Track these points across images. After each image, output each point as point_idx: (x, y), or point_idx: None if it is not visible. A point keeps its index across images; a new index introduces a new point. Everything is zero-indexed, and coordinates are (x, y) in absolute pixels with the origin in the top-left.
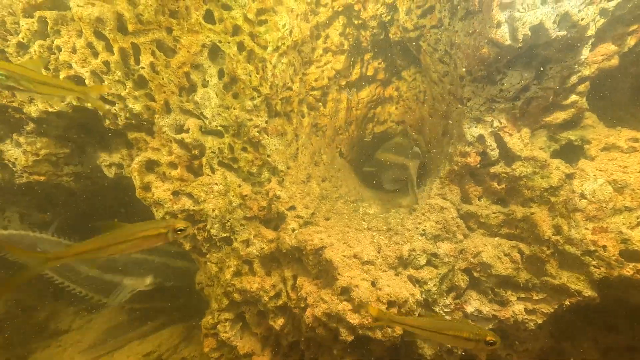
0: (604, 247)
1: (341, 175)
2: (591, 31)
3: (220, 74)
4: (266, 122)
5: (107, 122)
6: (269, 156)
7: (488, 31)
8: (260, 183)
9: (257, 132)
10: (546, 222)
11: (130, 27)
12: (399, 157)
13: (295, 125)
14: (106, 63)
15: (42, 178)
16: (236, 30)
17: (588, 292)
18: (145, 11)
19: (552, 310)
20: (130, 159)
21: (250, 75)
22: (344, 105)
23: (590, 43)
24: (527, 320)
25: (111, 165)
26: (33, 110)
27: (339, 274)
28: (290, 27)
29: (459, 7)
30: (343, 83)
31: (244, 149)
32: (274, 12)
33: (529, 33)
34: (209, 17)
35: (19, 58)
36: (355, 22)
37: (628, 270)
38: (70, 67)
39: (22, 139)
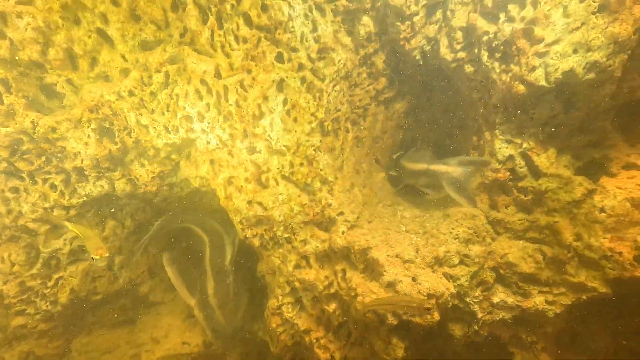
0: (620, 252)
1: (378, 181)
2: (617, 73)
3: (284, 102)
4: (320, 141)
5: (201, 147)
6: (321, 170)
7: (523, 73)
8: (313, 192)
9: (313, 150)
10: (568, 230)
11: (223, 74)
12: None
13: (341, 140)
14: (207, 104)
15: (154, 189)
16: (300, 67)
17: (603, 289)
18: (236, 60)
19: (570, 303)
20: (214, 173)
21: (309, 103)
22: (381, 117)
23: (615, 81)
24: (547, 310)
25: (197, 177)
26: (159, 142)
27: (385, 270)
28: (345, 61)
29: (496, 49)
30: (381, 99)
31: (301, 165)
32: (332, 50)
33: (561, 77)
34: (279, 57)
35: (151, 104)
36: (398, 50)
37: (639, 272)
38: (184, 109)
39: (145, 162)
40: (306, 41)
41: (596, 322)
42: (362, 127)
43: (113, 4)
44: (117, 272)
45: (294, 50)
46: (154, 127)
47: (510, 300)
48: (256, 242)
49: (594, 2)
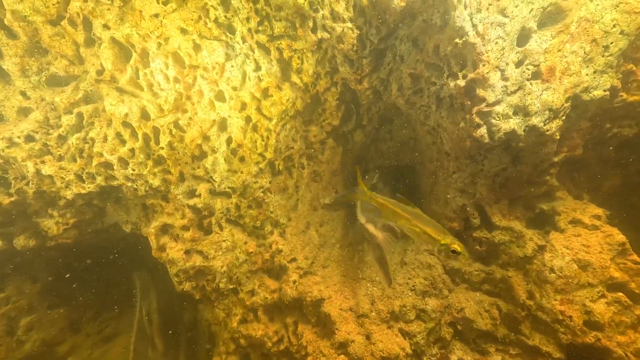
0: (570, 317)
1: (337, 217)
2: (556, 135)
3: (228, 141)
4: (269, 182)
5: (129, 194)
6: (271, 212)
7: (470, 129)
8: (263, 236)
9: (262, 192)
10: (521, 287)
11: (152, 115)
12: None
13: (295, 178)
14: (132, 150)
15: (69, 241)
16: (243, 106)
17: (557, 354)
18: (166, 101)
19: None
20: (146, 219)
21: (255, 143)
22: (340, 150)
23: (555, 141)
24: None
25: (128, 223)
26: (69, 193)
27: (336, 328)
28: (294, 99)
29: (443, 100)
30: (340, 132)
31: (249, 207)
32: (279, 89)
33: (504, 137)
34: (220, 96)
35: (59, 149)
36: (352, 87)
37: (590, 338)
38: (101, 155)
39: (55, 212)
40: (249, 80)
41: None
42: (321, 161)
43: (8, 36)
44: (22, 337)
45: (236, 89)
46: (61, 177)
47: (468, 358)
48: (197, 294)
49: (528, 69)
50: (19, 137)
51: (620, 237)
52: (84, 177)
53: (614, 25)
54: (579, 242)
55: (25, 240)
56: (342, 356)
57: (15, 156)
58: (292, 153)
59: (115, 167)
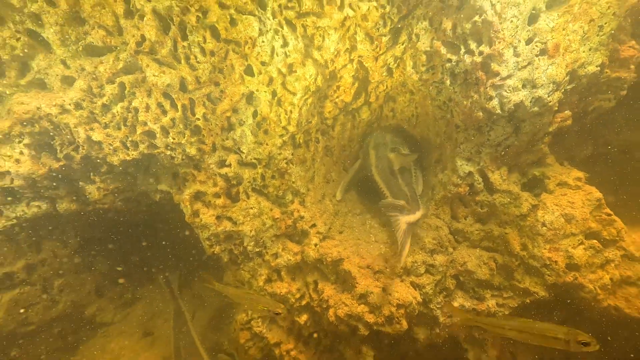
0: (556, 261)
1: (347, 189)
2: (555, 107)
3: (255, 114)
4: (292, 154)
5: (165, 162)
6: (293, 182)
7: (483, 102)
8: (285, 204)
9: (285, 163)
10: (516, 241)
11: (190, 87)
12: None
13: (312, 152)
14: (172, 119)
15: (106, 206)
16: (271, 80)
17: (542, 293)
18: (202, 73)
19: (517, 305)
20: (177, 187)
21: (280, 116)
22: (349, 126)
23: (553, 112)
24: (497, 312)
25: (157, 191)
26: (115, 159)
27: (357, 282)
28: (316, 75)
29: (458, 75)
30: (350, 109)
31: (273, 177)
32: (302, 65)
33: (513, 107)
34: (248, 71)
35: (104, 117)
36: (366, 65)
37: (569, 277)
38: (145, 124)
39: (97, 178)
40: (277, 56)
41: (534, 318)
42: (332, 137)
43: (49, 4)
44: (55, 297)
45: (264, 64)
46: (109, 144)
47: (468, 304)
48: (225, 257)
49: (536, 46)
50: (69, 105)
51: (597, 194)
52: (128, 145)
53: (609, 7)
54: (565, 199)
55: (67, 204)
56: (362, 305)
57: (68, 122)
58: (310, 127)
59: (157, 136)
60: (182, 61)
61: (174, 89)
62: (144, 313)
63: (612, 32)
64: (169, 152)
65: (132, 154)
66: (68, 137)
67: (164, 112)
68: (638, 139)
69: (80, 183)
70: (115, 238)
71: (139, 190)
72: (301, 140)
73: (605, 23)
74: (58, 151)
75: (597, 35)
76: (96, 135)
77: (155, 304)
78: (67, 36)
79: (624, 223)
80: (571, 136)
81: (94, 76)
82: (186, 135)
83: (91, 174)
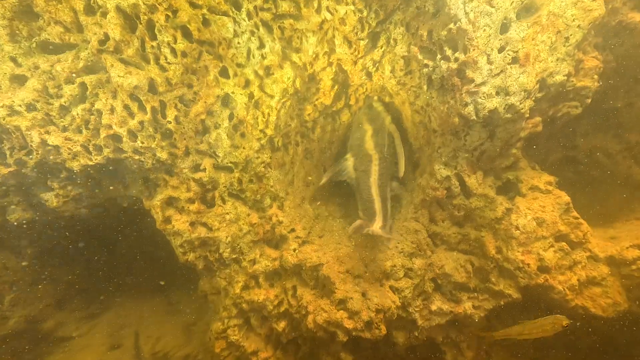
0: (528, 264)
1: (327, 193)
2: (527, 114)
3: (231, 117)
4: (270, 157)
5: (134, 167)
6: (271, 186)
7: (459, 107)
8: (263, 209)
9: (263, 167)
10: (491, 244)
11: (160, 89)
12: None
13: (291, 155)
14: (141, 123)
15: (67, 214)
16: (247, 83)
17: (516, 295)
18: (174, 75)
19: (491, 307)
20: (148, 193)
21: (257, 119)
22: (329, 129)
23: (525, 118)
24: (474, 314)
25: (125, 198)
26: (76, 165)
27: (336, 288)
28: (294, 78)
29: (435, 81)
30: (330, 112)
31: (251, 181)
32: (280, 67)
33: (488, 113)
34: (224, 73)
35: (62, 120)
36: (345, 68)
37: (540, 279)
38: (110, 127)
39: (55, 184)
40: (253, 57)
41: (507, 318)
42: (312, 139)
43: None
44: (6, 312)
45: (240, 66)
46: (68, 148)
47: (445, 307)
48: (199, 264)
49: (508, 55)
50: (20, 106)
51: (566, 198)
52: (90, 149)
53: (574, 20)
54: (537, 203)
55: (21, 212)
56: (341, 311)
57: (19, 125)
58: (289, 130)
59: (124, 140)
60: (152, 62)
61: (142, 90)
62: (111, 324)
63: (577, 43)
64: (137, 157)
65: (96, 159)
66: (19, 140)
67: (131, 115)
68: (602, 144)
69: (37, 190)
70: (80, 247)
71: (105, 197)
72: (280, 144)
73: (571, 35)
74: (7, 156)
75: (564, 46)
76: (53, 139)
77: (124, 314)
78: (17, 31)
79: (589, 224)
80: (541, 141)
81: (50, 75)
82: (157, 139)
83: (48, 180)
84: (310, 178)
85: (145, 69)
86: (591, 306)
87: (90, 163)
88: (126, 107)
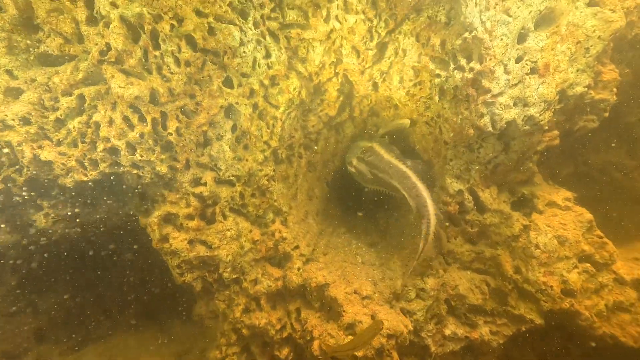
0: (551, 287)
1: (330, 206)
2: (545, 126)
3: (234, 128)
4: (274, 170)
5: (131, 182)
6: (275, 200)
7: (474, 118)
8: (265, 224)
9: (267, 180)
10: (508, 263)
11: (162, 100)
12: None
13: (295, 167)
14: (141, 135)
15: (56, 235)
16: (252, 93)
17: (538, 321)
18: (176, 85)
19: (511, 333)
20: (145, 210)
21: (261, 131)
22: (333, 141)
23: (543, 131)
24: (491, 340)
25: (121, 216)
26: (69, 181)
27: (344, 310)
28: (300, 88)
29: (447, 91)
30: (334, 124)
31: (253, 195)
32: (286, 77)
33: (505, 125)
34: (227, 82)
35: (57, 134)
36: (352, 79)
37: (566, 304)
38: (108, 140)
39: (45, 203)
40: (259, 67)
41: (526, 346)
42: (316, 152)
43: None
44: None
45: (245, 75)
46: (62, 164)
47: (460, 331)
48: (197, 286)
49: (526, 65)
50: (13, 120)
51: (588, 215)
52: (85, 164)
53: (594, 30)
54: (557, 220)
55: (4, 235)
56: (350, 337)
57: (10, 140)
58: (293, 142)
59: (122, 153)
60: (154, 72)
61: (143, 101)
62: (99, 356)
63: (598, 54)
64: (135, 171)
65: (91, 174)
66: (10, 157)
67: (131, 127)
68: (616, 159)
69: (24, 210)
70: (68, 270)
71: (99, 216)
72: (284, 156)
73: (592, 45)
74: None
75: (584, 56)
76: (46, 154)
77: (113, 344)
78: (15, 44)
79: None
80: (554, 155)
81: (46, 88)
82: (156, 151)
83: (38, 199)
84: (315, 192)
85: (147, 79)
86: (620, 335)
87: (85, 179)
88: (126, 118)
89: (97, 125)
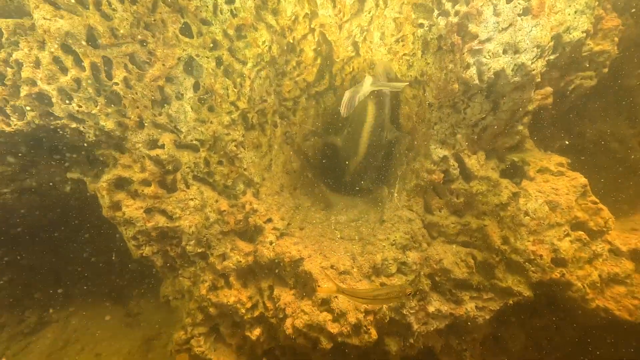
0: (541, 256)
1: (310, 182)
2: (538, 78)
3: (196, 86)
4: (243, 135)
5: (74, 139)
6: (245, 169)
7: (459, 71)
8: (235, 196)
9: (235, 146)
10: (496, 234)
11: (103, 41)
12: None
13: (269, 136)
14: (77, 80)
15: None
16: (215, 44)
17: (527, 293)
18: (120, 25)
19: (498, 308)
20: (94, 175)
21: (227, 90)
22: (313, 112)
23: (535, 85)
24: (477, 316)
25: (67, 181)
26: None
27: (318, 285)
28: (270, 43)
29: (431, 43)
30: (312, 92)
31: (220, 163)
32: (254, 29)
33: (493, 76)
34: (186, 30)
35: None
36: (330, 38)
37: (556, 274)
38: (34, 84)
39: None
40: (221, 13)
41: (514, 323)
42: (293, 122)
43: None
44: None
45: (205, 22)
46: None
47: (445, 308)
48: (158, 261)
49: (519, 4)
50: None
51: (582, 179)
52: (7, 111)
53: None
54: (548, 186)
55: None
56: (325, 313)
57: None
58: (265, 107)
59: (54, 101)
60: (90, 6)
61: (78, 40)
62: (53, 342)
63: None
64: (75, 125)
65: (16, 125)
66: None
67: (63, 70)
68: (613, 130)
69: None
70: (7, 247)
71: (41, 180)
72: (255, 121)
73: None
74: None
75: None
76: None
77: (70, 328)
78: None
79: None
80: (546, 126)
81: None
82: (99, 103)
83: None
84: (293, 165)
85: (82, 14)
86: (615, 308)
87: (9, 129)
88: (56, 59)
89: (20, 65)
